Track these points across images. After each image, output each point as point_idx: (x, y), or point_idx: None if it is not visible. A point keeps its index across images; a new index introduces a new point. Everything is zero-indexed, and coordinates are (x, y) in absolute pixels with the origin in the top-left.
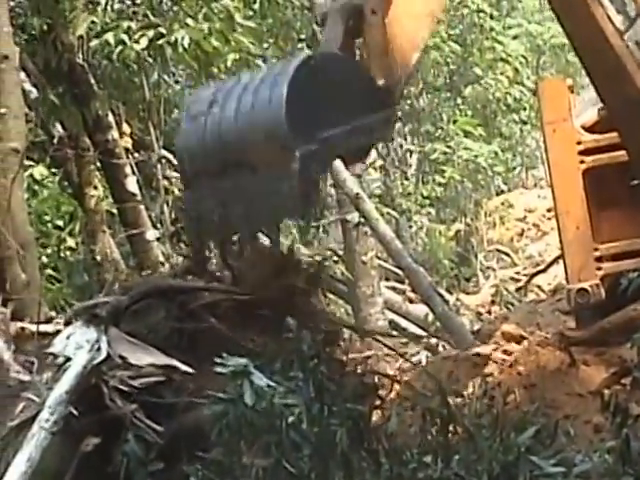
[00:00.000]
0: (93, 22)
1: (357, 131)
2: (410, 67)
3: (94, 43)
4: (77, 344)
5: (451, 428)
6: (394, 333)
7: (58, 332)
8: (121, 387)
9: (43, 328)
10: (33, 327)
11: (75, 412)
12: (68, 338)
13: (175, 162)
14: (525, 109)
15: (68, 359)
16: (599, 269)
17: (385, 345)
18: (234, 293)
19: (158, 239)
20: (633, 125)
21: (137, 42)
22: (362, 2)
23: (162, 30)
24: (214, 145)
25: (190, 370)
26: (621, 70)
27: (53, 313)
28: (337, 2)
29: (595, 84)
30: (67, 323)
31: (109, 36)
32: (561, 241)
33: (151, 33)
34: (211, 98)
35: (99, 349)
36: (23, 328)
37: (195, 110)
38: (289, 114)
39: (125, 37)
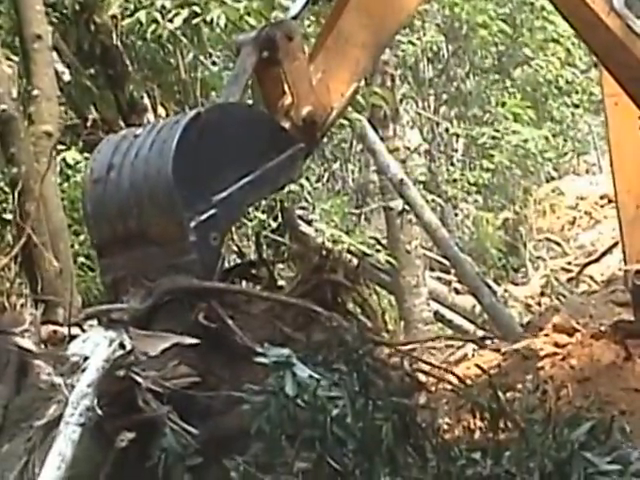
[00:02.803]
0: (127, 0)
1: (261, 180)
2: (345, 98)
3: (127, 22)
4: (95, 343)
5: (501, 423)
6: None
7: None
8: (154, 388)
9: (74, 331)
10: (65, 330)
11: (107, 412)
12: (84, 341)
13: None
14: (577, 92)
15: (86, 358)
16: None
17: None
18: (262, 297)
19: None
20: None
21: (171, 21)
22: (275, 31)
23: (197, 9)
24: (115, 214)
25: (194, 341)
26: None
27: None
28: (250, 33)
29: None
30: (81, 327)
31: (142, 15)
32: (620, 220)
33: (186, 12)
34: (109, 160)
35: (122, 345)
36: (55, 331)
37: (96, 174)
38: (178, 184)
39: (158, 16)
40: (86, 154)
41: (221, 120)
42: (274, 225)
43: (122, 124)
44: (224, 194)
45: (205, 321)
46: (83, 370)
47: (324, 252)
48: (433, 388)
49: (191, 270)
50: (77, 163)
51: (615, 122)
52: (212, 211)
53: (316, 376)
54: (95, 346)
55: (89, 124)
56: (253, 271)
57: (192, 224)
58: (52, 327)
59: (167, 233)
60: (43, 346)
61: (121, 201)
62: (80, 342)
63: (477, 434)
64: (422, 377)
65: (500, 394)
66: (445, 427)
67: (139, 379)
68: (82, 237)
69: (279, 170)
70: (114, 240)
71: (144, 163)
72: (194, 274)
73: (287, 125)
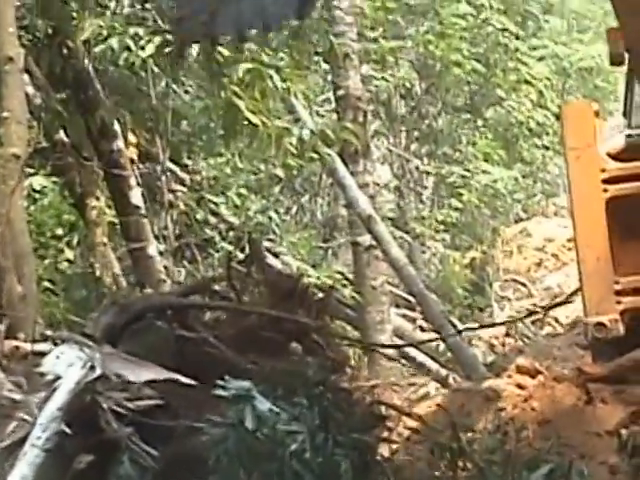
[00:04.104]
0: (100, 26)
1: None
2: None
3: (100, 48)
4: (69, 362)
5: (461, 463)
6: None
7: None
8: (117, 409)
9: (38, 347)
10: (28, 346)
11: (69, 431)
12: (58, 357)
13: (181, 175)
14: (548, 134)
15: (58, 377)
16: (619, 303)
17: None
18: (237, 311)
19: (161, 254)
20: None
21: (143, 49)
22: None
23: (170, 37)
24: None
25: (193, 383)
26: None
27: (49, 332)
28: None
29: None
30: (56, 343)
31: (114, 41)
32: (580, 272)
33: (158, 40)
34: None
35: (93, 367)
36: (17, 347)
37: None
38: None
39: (131, 43)
40: (54, 178)
41: None
42: (241, 256)
43: (91, 149)
44: None
45: (182, 336)
46: (54, 390)
47: (292, 282)
48: (394, 425)
49: None
50: (44, 187)
51: (576, 176)
52: None
53: (276, 410)
54: (68, 366)
55: (58, 148)
56: (214, 287)
57: None
58: (15, 343)
59: None
60: (5, 361)
61: None
62: (54, 358)
63: (436, 473)
64: (383, 414)
65: (460, 434)
66: (404, 465)
67: (101, 400)
68: (47, 261)
69: None
70: None
71: None
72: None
73: None
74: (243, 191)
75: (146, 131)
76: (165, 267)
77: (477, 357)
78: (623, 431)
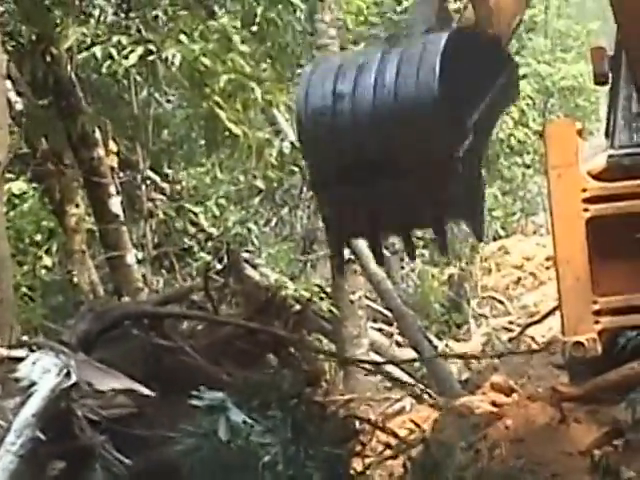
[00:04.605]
0: (84, 34)
1: (492, 105)
2: (512, 29)
3: (83, 55)
4: (44, 368)
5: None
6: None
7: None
8: (91, 416)
9: (14, 353)
10: (4, 351)
11: (43, 437)
12: (34, 363)
13: (161, 184)
14: (529, 153)
15: (33, 383)
16: (597, 323)
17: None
18: (214, 321)
19: (139, 262)
20: None
21: (126, 57)
22: None
23: (152, 47)
24: (351, 142)
25: (150, 394)
26: None
27: (25, 338)
28: None
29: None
30: (32, 349)
31: (97, 49)
32: (559, 291)
33: (141, 49)
34: (333, 89)
35: (68, 374)
36: None
37: (317, 105)
38: (444, 107)
39: (114, 51)
40: (34, 184)
41: (466, 41)
42: (219, 267)
43: (72, 157)
44: (475, 118)
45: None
46: (29, 396)
47: (269, 294)
48: (367, 440)
49: (459, 208)
50: (23, 193)
51: (558, 194)
52: (471, 137)
53: (250, 421)
54: (44, 372)
55: (39, 155)
56: (192, 297)
57: (458, 152)
58: None
59: (427, 163)
60: None
61: (359, 129)
62: (29, 364)
63: None
64: (357, 428)
65: (434, 450)
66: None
67: (76, 407)
68: (25, 267)
69: (507, 90)
70: (344, 171)
71: (394, 87)
72: (461, 214)
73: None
74: (223, 202)
75: (127, 139)
76: (143, 275)
77: (452, 374)
78: (596, 451)
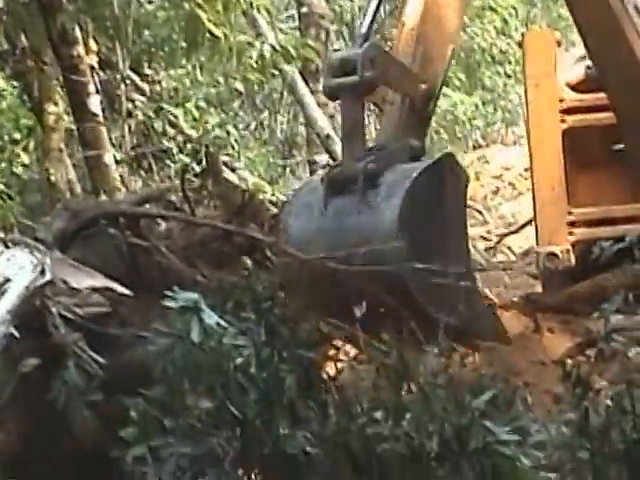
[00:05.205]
0: None
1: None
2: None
3: None
4: (19, 265)
5: (405, 385)
6: None
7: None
8: (66, 314)
9: None
10: None
11: (17, 334)
12: (9, 260)
13: (140, 84)
14: (511, 62)
15: (8, 280)
16: (571, 234)
17: None
18: (190, 223)
19: (117, 162)
20: (623, 89)
21: None
22: (370, 72)
23: None
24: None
25: (129, 293)
26: (618, 33)
27: (1, 234)
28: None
29: (587, 43)
30: (7, 246)
31: None
32: (534, 201)
33: None
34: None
35: (43, 271)
36: None
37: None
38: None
39: None
40: (13, 82)
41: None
42: (198, 169)
43: (51, 54)
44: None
45: (133, 245)
46: (3, 293)
47: (247, 197)
48: (341, 345)
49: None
50: (3, 90)
51: (535, 104)
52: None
53: (223, 323)
54: (19, 268)
55: (18, 52)
56: (169, 198)
57: None
58: None
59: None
60: None
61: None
62: (4, 260)
63: (380, 394)
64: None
65: (406, 355)
66: (349, 384)
67: (50, 304)
68: (3, 165)
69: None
70: None
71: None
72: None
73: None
74: (202, 104)
75: (107, 38)
76: (121, 176)
77: None
78: (568, 361)
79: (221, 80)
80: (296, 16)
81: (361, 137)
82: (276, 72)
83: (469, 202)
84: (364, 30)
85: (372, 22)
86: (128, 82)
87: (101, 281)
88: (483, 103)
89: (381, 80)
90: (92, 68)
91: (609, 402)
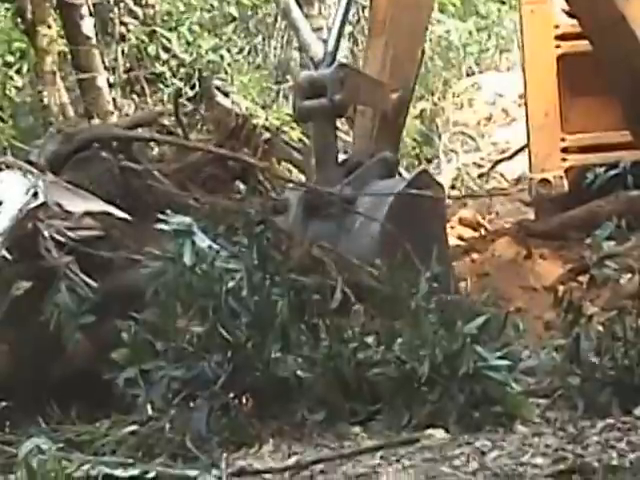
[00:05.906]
0: None
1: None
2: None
3: None
4: (12, 187)
5: (397, 310)
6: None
7: None
8: (58, 237)
9: None
10: None
11: (9, 256)
12: (1, 182)
13: (134, 8)
14: None
15: (0, 202)
16: (564, 160)
17: None
18: (183, 147)
19: (110, 86)
20: (607, 45)
21: None
22: (339, 94)
23: None
24: None
25: (128, 218)
26: None
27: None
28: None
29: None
30: (0, 168)
31: None
32: (528, 127)
33: None
34: None
35: (36, 194)
36: None
37: None
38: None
39: None
40: (6, 5)
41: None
42: (191, 93)
43: None
44: None
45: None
46: None
47: (240, 121)
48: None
49: None
50: None
51: (530, 30)
52: None
53: (215, 247)
54: (12, 191)
55: None
56: (162, 121)
57: None
58: None
59: None
60: None
61: None
62: None
63: (372, 319)
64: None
65: (399, 280)
66: (340, 309)
67: (43, 227)
68: None
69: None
70: None
71: None
72: None
73: None
74: (196, 28)
75: None
76: (113, 99)
77: None
78: (560, 287)
79: (215, 4)
80: None
81: (334, 159)
82: None
83: (462, 128)
84: (331, 48)
85: (339, 39)
86: (121, 5)
87: (98, 205)
88: (477, 30)
89: (352, 100)
90: None
91: (600, 328)
